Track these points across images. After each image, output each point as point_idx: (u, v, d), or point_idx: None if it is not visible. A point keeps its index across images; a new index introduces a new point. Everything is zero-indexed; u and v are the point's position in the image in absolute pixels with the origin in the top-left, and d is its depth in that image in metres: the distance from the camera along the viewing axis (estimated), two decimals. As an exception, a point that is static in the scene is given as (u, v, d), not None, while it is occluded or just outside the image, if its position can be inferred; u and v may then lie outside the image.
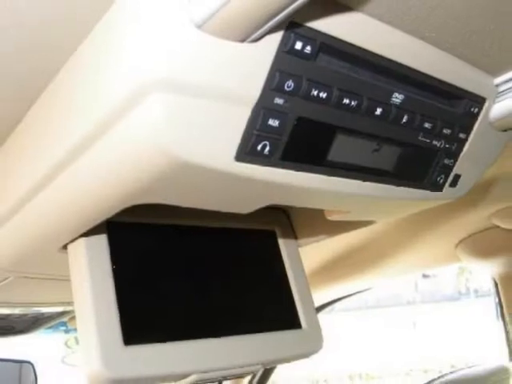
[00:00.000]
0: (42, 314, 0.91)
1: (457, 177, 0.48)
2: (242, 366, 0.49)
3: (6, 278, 0.54)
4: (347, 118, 0.36)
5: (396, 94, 0.38)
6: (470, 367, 0.96)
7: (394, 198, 0.46)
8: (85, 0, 0.31)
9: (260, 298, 0.55)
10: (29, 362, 1.39)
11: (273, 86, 0.31)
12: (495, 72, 0.43)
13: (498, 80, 0.44)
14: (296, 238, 0.62)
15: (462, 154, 0.46)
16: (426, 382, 0.92)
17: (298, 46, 0.31)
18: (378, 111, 0.37)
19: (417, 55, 0.37)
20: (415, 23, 0.35)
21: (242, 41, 0.29)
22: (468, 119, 0.44)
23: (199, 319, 0.48)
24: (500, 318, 1.40)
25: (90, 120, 0.32)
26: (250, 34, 0.28)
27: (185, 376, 0.45)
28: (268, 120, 0.32)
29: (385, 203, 0.47)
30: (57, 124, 0.37)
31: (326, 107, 0.35)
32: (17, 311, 0.85)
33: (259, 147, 0.33)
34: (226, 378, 0.51)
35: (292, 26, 0.30)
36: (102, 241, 0.45)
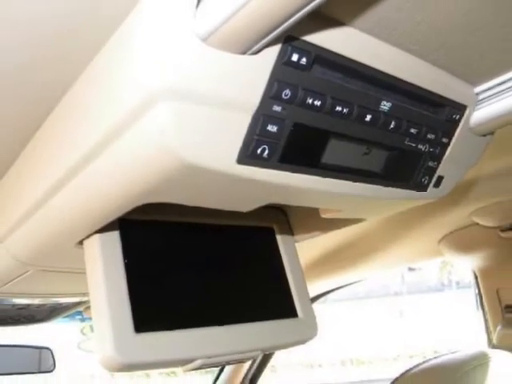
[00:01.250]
0: (60, 304, 0.91)
1: (440, 178, 0.48)
2: (243, 352, 0.49)
3: (27, 271, 0.54)
4: (339, 124, 0.36)
5: (384, 102, 0.38)
6: (452, 353, 0.96)
7: (383, 198, 0.46)
8: (98, 17, 0.31)
9: (259, 289, 0.55)
10: (48, 348, 1.39)
11: (271, 94, 0.31)
12: (475, 81, 0.43)
13: (478, 89, 0.44)
14: (293, 234, 0.62)
15: (444, 157, 0.46)
16: (411, 366, 0.92)
17: (295, 57, 0.31)
18: (368, 118, 0.37)
19: (403, 66, 0.37)
20: (402, 37, 0.35)
21: (243, 53, 0.29)
22: (450, 125, 0.44)
23: (204, 309, 0.48)
24: (480, 308, 1.41)
25: (104, 126, 0.32)
26: (250, 47, 0.28)
27: (191, 361, 0.45)
28: (267, 126, 0.32)
29: (374, 202, 0.47)
30: (73, 130, 0.37)
31: (320, 114, 0.34)
32: (37, 301, 0.85)
33: (259, 151, 0.33)
34: (228, 363, 0.51)
35: (289, 39, 0.30)
36: (114, 237, 0.45)
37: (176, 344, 0.44)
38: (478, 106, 0.44)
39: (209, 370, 0.50)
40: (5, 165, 0.49)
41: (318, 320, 0.58)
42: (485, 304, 1.34)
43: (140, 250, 0.46)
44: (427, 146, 0.44)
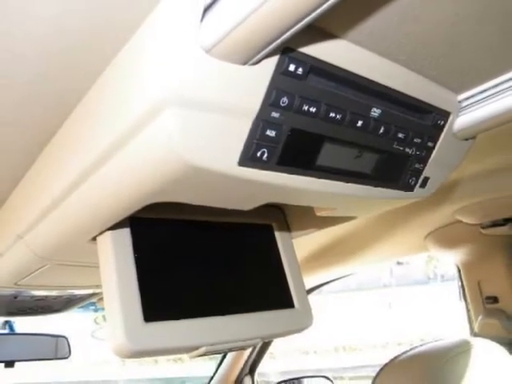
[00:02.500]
0: (75, 295, 0.91)
1: (426, 179, 0.48)
2: (244, 340, 0.49)
3: (45, 265, 0.54)
4: (333, 129, 0.36)
5: (374, 109, 0.38)
6: (436, 340, 0.96)
7: (373, 197, 0.46)
8: (109, 31, 0.30)
9: (259, 281, 0.55)
10: (64, 336, 1.39)
11: (270, 101, 0.31)
12: (458, 90, 0.43)
13: (460, 97, 0.44)
14: (290, 231, 0.62)
15: (430, 160, 0.46)
16: (399, 353, 0.92)
17: (292, 68, 0.31)
18: (359, 123, 0.37)
19: (392, 76, 0.37)
20: (391, 48, 0.35)
21: (244, 63, 0.29)
22: (435, 130, 0.44)
23: (208, 300, 0.48)
24: (462, 299, 1.40)
25: (116, 132, 0.32)
26: (250, 58, 0.28)
27: (196, 348, 0.45)
28: (266, 131, 0.32)
29: (365, 201, 0.47)
30: (87, 135, 0.37)
31: (315, 120, 0.34)
32: (54, 293, 0.85)
33: (258, 154, 0.33)
34: (230, 350, 0.51)
35: (286, 51, 0.30)
36: (125, 233, 0.45)
37: (182, 332, 0.44)
38: (461, 113, 0.44)
39: (212, 356, 0.50)
40: (24, 167, 0.49)
41: (313, 310, 0.58)
42: (467, 295, 1.34)
43: (149, 245, 0.46)
44: (414, 149, 0.44)
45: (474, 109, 0.44)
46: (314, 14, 0.24)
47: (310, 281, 1.56)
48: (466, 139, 0.48)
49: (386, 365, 0.88)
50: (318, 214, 0.52)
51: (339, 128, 0.36)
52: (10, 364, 1.29)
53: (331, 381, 1.71)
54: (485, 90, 0.42)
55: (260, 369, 1.89)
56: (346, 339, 8.27)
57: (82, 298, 0.95)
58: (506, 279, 1.24)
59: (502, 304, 1.25)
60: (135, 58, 0.31)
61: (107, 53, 0.33)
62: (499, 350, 0.96)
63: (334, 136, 0.37)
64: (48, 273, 0.57)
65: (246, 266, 0.55)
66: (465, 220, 1.08)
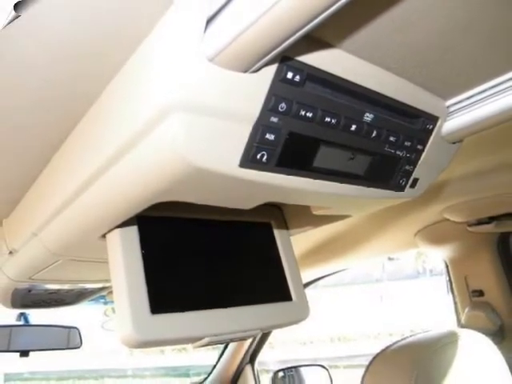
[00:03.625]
0: (86, 289, 0.90)
1: (415, 180, 0.48)
2: (244, 331, 0.49)
3: (58, 261, 0.54)
4: (329, 133, 0.36)
5: (367, 114, 0.38)
6: (425, 331, 0.95)
7: (366, 197, 0.46)
8: (118, 40, 0.30)
9: (259, 276, 0.55)
10: (75, 328, 1.39)
11: (269, 107, 0.31)
12: (446, 96, 0.43)
13: (448, 102, 0.44)
14: (288, 228, 0.62)
15: (419, 162, 0.46)
16: (390, 343, 0.91)
17: (290, 75, 0.31)
18: (353, 127, 0.37)
19: (384, 83, 0.37)
20: (383, 57, 0.35)
21: (245, 71, 0.29)
22: (424, 134, 0.44)
23: (211, 293, 0.48)
24: (450, 293, 1.40)
25: (124, 135, 0.32)
26: (251, 66, 0.28)
27: (199, 338, 0.45)
28: (265, 134, 0.32)
29: (359, 201, 0.47)
30: (97, 139, 0.37)
31: (311, 124, 0.34)
32: (66, 287, 0.84)
33: (258, 156, 0.33)
34: (232, 340, 0.51)
35: (285, 59, 0.30)
36: (133, 231, 0.45)
37: (187, 324, 0.44)
38: (449, 117, 0.44)
39: (215, 346, 0.50)
40: (38, 168, 0.49)
41: (310, 303, 0.58)
42: (454, 289, 1.34)
43: (155, 242, 0.46)
44: (404, 152, 0.44)
45: (461, 114, 0.44)
46: (310, 25, 0.24)
47: (306, 275, 1.55)
48: (454, 142, 0.48)
49: (378, 354, 0.87)
50: (315, 212, 0.52)
51: (334, 132, 0.36)
52: (24, 353, 1.29)
53: (327, 369, 1.70)
54: (471, 96, 0.42)
55: (260, 358, 1.89)
56: (340, 330, 8.27)
57: (92, 292, 0.95)
58: (491, 274, 1.24)
59: (487, 297, 1.25)
60: (142, 66, 0.31)
61: (116, 61, 0.33)
62: (485, 341, 0.96)
63: (329, 139, 0.37)
64: (60, 268, 0.57)
65: (247, 262, 0.55)
66: (452, 218, 1.08)
